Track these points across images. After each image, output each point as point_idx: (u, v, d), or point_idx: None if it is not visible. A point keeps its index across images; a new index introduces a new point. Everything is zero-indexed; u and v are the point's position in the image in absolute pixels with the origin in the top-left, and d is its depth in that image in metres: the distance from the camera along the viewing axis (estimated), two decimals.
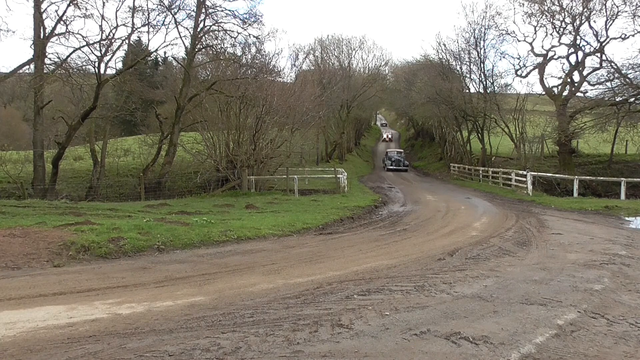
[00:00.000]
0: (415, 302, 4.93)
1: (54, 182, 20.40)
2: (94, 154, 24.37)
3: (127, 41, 23.22)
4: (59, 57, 20.05)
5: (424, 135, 60.66)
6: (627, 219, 13.71)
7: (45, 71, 19.69)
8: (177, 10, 22.85)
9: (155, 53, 29.23)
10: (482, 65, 33.80)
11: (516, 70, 31.97)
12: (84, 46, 20.11)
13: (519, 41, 40.48)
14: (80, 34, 20.65)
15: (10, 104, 35.91)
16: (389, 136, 75.68)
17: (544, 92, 30.62)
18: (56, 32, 19.71)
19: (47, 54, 19.73)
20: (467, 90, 35.59)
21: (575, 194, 20.81)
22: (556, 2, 27.69)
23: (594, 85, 28.15)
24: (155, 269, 6.58)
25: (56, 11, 20.58)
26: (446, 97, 33.79)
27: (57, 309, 4.68)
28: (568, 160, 28.64)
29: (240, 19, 23.19)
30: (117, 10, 23.22)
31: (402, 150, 45.68)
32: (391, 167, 40.64)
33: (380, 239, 9.67)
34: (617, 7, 26.02)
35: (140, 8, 24.74)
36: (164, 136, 25.00)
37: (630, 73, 25.29)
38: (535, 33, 30.94)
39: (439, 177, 36.22)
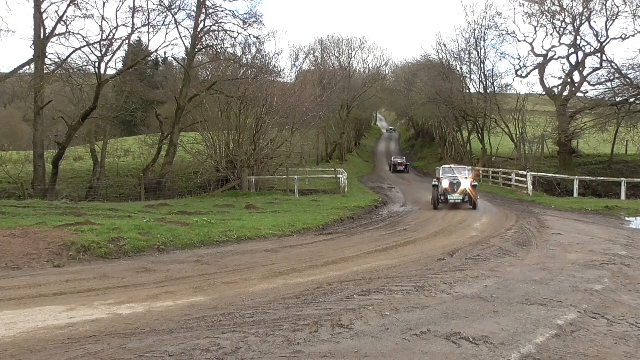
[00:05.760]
0: (415, 302, 4.92)
1: (54, 182, 20.38)
2: (94, 154, 24.35)
3: (127, 41, 23.24)
4: (59, 57, 20.05)
5: (424, 135, 60.55)
6: (627, 219, 13.70)
7: (45, 71, 19.67)
8: (177, 10, 22.90)
9: (155, 53, 29.20)
10: (482, 65, 33.78)
11: (516, 70, 31.99)
12: (84, 46, 20.12)
13: (519, 41, 40.40)
14: (80, 34, 20.62)
15: (10, 104, 35.80)
16: None
17: (544, 92, 30.61)
18: (56, 32, 19.73)
19: (47, 54, 19.72)
20: (467, 90, 35.54)
21: (575, 194, 20.80)
22: (556, 2, 27.70)
23: (594, 85, 28.18)
24: (155, 269, 6.58)
25: (56, 11, 20.46)
26: (446, 97, 33.74)
27: (57, 309, 4.68)
28: (568, 160, 28.62)
29: (240, 19, 23.22)
30: (117, 11, 23.20)
31: None
32: None
33: (381, 239, 9.67)
34: (617, 7, 26.06)
35: (140, 8, 24.67)
36: (164, 136, 24.97)
37: (630, 73, 25.31)
38: (535, 33, 30.97)
39: None
